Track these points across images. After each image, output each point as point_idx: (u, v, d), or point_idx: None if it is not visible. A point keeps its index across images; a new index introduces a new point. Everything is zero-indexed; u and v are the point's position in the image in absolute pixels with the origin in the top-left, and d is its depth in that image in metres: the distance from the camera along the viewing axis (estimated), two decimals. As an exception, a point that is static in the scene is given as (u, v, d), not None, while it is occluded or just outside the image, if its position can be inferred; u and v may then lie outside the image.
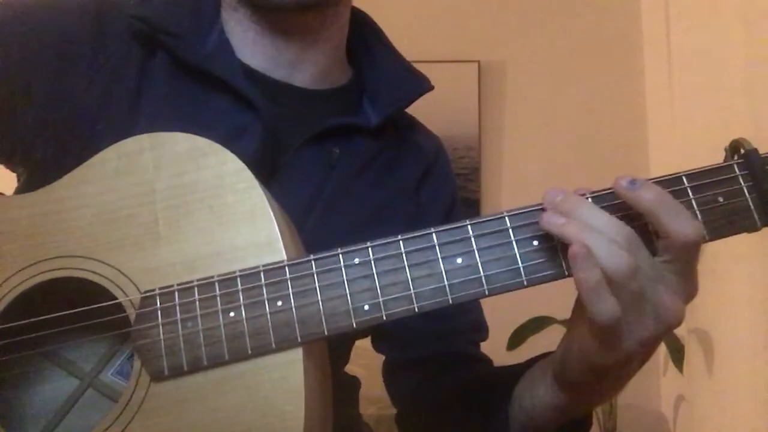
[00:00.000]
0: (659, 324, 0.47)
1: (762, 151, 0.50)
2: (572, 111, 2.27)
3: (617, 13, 2.30)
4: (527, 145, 2.29)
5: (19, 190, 0.66)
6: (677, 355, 1.82)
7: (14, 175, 0.68)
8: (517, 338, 1.89)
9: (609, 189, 0.49)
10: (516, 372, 0.64)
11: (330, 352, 0.57)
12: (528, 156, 2.28)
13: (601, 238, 0.46)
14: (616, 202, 0.49)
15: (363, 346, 0.80)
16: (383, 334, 0.79)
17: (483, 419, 0.65)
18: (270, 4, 0.63)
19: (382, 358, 0.83)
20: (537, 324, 1.90)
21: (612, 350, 0.48)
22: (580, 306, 0.51)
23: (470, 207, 2.22)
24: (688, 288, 0.48)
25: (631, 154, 2.25)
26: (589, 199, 0.49)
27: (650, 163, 2.24)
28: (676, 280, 0.48)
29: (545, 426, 0.60)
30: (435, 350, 0.76)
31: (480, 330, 0.79)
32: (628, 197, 0.47)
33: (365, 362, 0.82)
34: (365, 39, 0.76)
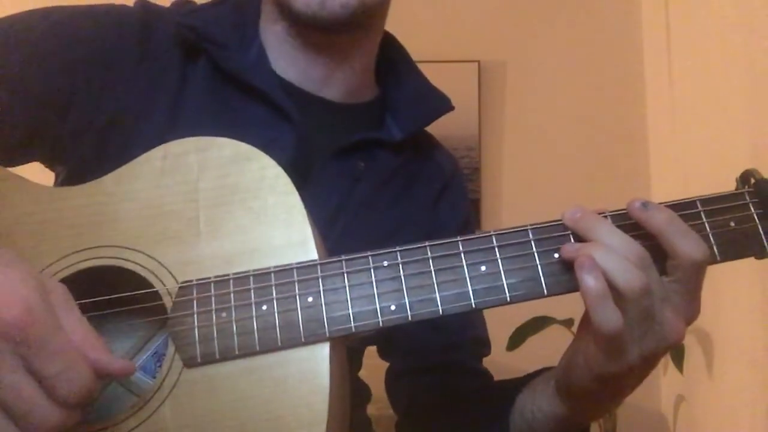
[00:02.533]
0: (660, 341, 0.49)
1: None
2: (572, 111, 2.27)
3: (617, 12, 2.30)
4: (527, 145, 2.29)
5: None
6: (677, 355, 1.82)
7: (40, 173, 0.68)
8: (517, 338, 1.89)
9: (624, 209, 0.52)
10: (518, 384, 0.66)
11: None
12: (528, 156, 2.28)
13: (616, 255, 0.48)
14: (631, 222, 0.51)
15: (367, 349, 0.81)
16: (390, 342, 0.81)
17: (483, 428, 0.66)
18: (294, 12, 0.65)
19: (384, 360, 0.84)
20: (537, 324, 1.89)
21: (614, 360, 0.50)
22: (583, 320, 0.53)
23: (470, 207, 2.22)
24: (691, 309, 0.51)
25: (632, 154, 2.25)
26: (609, 219, 0.51)
27: (650, 164, 2.24)
28: (680, 301, 0.50)
29: None
30: (439, 361, 0.78)
31: (484, 345, 0.82)
32: (640, 218, 0.50)
33: (367, 362, 0.83)
34: (393, 60, 0.79)
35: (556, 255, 0.51)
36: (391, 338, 0.80)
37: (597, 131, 2.26)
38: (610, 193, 2.05)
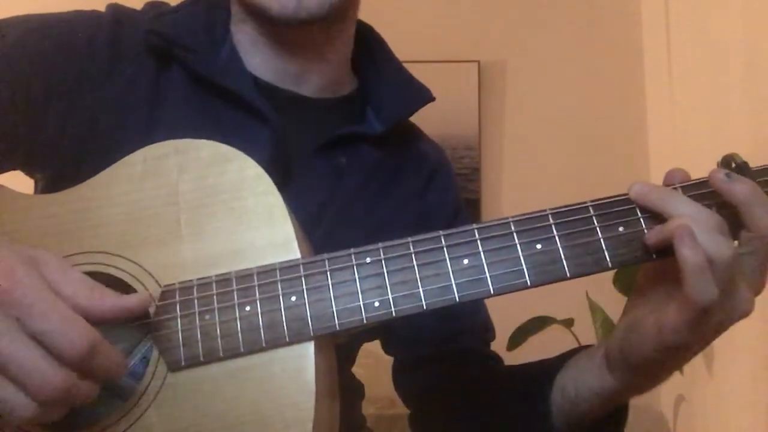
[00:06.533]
0: (733, 312, 0.49)
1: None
2: (572, 111, 2.27)
3: (617, 12, 2.30)
4: (527, 145, 2.29)
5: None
6: (677, 355, 1.82)
7: (21, 180, 0.68)
8: (517, 338, 1.88)
9: (697, 180, 0.52)
10: (551, 365, 0.65)
11: (338, 352, 0.58)
12: (528, 156, 2.28)
13: (699, 224, 0.47)
14: (701, 192, 0.51)
15: (364, 347, 0.80)
16: (394, 335, 0.80)
17: (520, 410, 0.65)
18: (270, 16, 0.65)
19: (383, 358, 0.83)
20: (537, 324, 1.89)
21: (693, 331, 0.49)
22: (641, 288, 0.53)
23: (470, 207, 2.22)
24: (761, 282, 0.51)
25: (632, 153, 2.25)
26: (679, 190, 0.51)
27: (650, 163, 2.24)
28: (751, 273, 0.50)
29: (590, 411, 0.61)
30: (447, 348, 0.77)
31: (488, 330, 0.81)
32: (723, 189, 0.50)
33: (365, 362, 0.83)
34: (370, 51, 0.78)
35: (539, 246, 0.51)
36: (393, 330, 0.79)
37: (597, 131, 2.26)
38: (610, 192, 2.05)
